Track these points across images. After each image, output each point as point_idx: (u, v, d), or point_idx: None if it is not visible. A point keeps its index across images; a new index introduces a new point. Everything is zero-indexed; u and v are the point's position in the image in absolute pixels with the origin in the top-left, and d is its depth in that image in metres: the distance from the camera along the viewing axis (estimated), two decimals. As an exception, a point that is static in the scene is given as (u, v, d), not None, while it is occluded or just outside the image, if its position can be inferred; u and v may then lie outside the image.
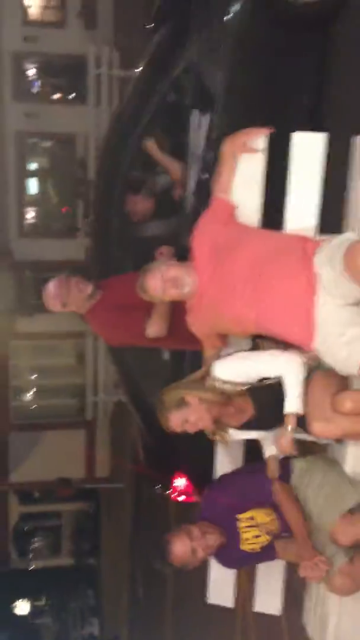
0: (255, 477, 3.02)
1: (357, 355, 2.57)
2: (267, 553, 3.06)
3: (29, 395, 14.07)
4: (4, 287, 12.59)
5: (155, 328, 3.25)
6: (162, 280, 2.86)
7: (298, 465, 2.97)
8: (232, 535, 2.99)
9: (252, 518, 2.97)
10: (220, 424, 2.87)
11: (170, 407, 2.82)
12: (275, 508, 2.97)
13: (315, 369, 2.82)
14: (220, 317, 2.88)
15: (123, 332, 3.42)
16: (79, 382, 12.78)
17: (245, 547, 3.00)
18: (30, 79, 13.18)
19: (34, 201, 13.45)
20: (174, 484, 4.06)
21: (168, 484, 4.08)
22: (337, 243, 2.63)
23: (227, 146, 2.93)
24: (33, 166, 13.35)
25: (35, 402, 14.02)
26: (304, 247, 2.74)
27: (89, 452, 13.24)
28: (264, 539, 2.99)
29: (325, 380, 2.77)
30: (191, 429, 2.83)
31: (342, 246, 2.56)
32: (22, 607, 17.43)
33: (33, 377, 14.12)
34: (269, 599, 3.39)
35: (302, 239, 2.80)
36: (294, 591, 3.42)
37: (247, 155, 2.93)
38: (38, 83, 13.36)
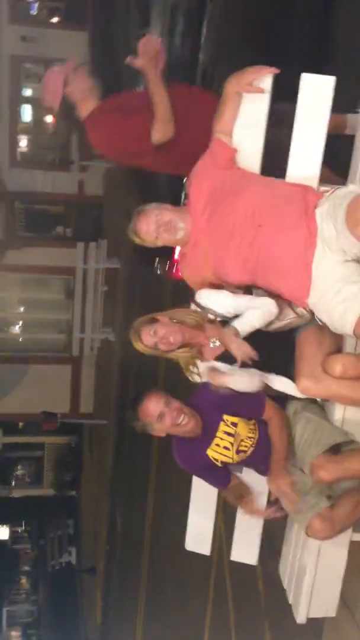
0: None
1: (352, 314, 2.49)
2: (221, 476, 2.98)
3: (15, 328, 14.03)
4: (-6, 217, 12.36)
5: (160, 131, 2.99)
6: (156, 224, 2.75)
7: (292, 406, 2.93)
8: (207, 433, 2.90)
9: (235, 425, 2.88)
10: (194, 357, 2.83)
11: (141, 324, 2.80)
12: (260, 429, 2.90)
13: (307, 325, 2.75)
14: (214, 265, 2.78)
15: (124, 138, 3.13)
16: (67, 318, 12.72)
17: (210, 453, 2.92)
18: (28, 0, 12.65)
19: (28, 129, 13.07)
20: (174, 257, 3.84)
21: (167, 260, 3.92)
22: (340, 195, 2.51)
23: (232, 84, 2.75)
24: (27, 92, 12.92)
25: (21, 335, 13.99)
26: (306, 198, 2.62)
27: (74, 387, 13.30)
28: (229, 456, 2.90)
29: (317, 337, 2.70)
30: (163, 344, 2.77)
31: (345, 199, 2.45)
32: (2, 532, 17.84)
33: (20, 310, 14.05)
34: (245, 548, 3.39)
35: (304, 189, 2.67)
36: (271, 542, 3.43)
37: (251, 96, 2.77)
38: (36, 5, 12.82)
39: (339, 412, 2.89)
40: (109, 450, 11.31)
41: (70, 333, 12.18)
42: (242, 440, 2.88)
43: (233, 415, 2.89)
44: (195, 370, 2.88)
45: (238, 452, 2.89)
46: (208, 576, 5.44)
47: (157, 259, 4.14)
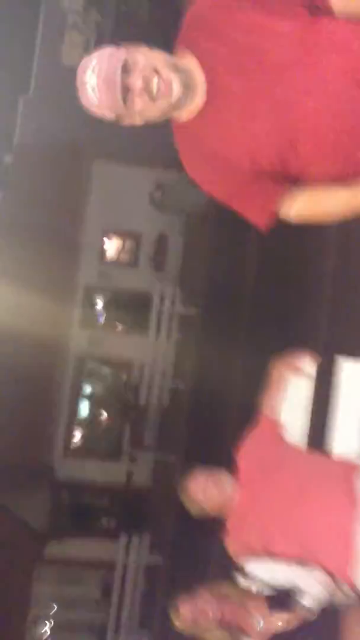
0: None
1: None
2: None
3: (45, 628, 13.15)
4: (40, 507, 12.39)
5: None
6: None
7: None
8: None
9: None
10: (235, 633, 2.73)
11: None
12: None
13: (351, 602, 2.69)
14: (262, 538, 2.82)
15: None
16: (102, 616, 11.95)
17: None
18: (97, 311, 14.12)
19: (84, 423, 13.69)
20: None
21: None
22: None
23: (277, 367, 3.08)
24: (87, 389, 13.79)
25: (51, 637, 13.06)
26: (346, 472, 2.75)
27: None
28: None
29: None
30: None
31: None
32: None
33: (54, 608, 13.29)
34: None
35: (345, 464, 2.82)
36: None
37: (295, 378, 3.07)
38: (104, 315, 14.26)
39: None
40: None
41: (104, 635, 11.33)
42: None
43: None
44: None
45: None
46: None
47: None
